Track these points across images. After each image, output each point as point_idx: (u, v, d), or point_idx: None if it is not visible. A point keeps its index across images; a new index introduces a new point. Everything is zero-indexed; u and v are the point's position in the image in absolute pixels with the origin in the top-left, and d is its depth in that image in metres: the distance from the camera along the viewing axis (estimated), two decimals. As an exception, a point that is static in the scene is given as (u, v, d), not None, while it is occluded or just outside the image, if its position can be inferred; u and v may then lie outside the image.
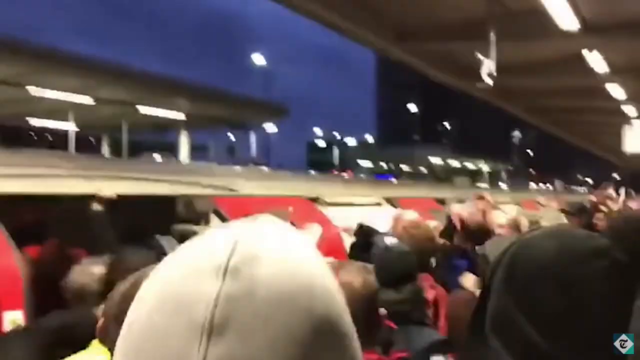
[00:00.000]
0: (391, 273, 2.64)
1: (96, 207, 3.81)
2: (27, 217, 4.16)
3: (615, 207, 8.43)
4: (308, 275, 0.50)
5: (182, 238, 3.65)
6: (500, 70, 9.24)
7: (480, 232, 5.07)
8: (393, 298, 2.46)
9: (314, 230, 3.94)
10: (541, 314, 1.01)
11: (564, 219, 4.09)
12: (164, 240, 3.59)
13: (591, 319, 0.99)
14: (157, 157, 50.30)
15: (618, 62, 12.23)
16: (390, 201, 7.03)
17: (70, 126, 26.53)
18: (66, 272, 2.78)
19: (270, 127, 40.33)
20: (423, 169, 65.99)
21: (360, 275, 1.94)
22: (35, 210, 4.14)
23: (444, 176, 63.17)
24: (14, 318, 3.20)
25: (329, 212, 5.52)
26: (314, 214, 5.36)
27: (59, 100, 22.04)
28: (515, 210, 9.21)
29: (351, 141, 74.15)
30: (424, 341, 2.39)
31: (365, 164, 66.96)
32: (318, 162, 73.59)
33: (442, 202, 9.13)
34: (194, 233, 3.65)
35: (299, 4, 10.10)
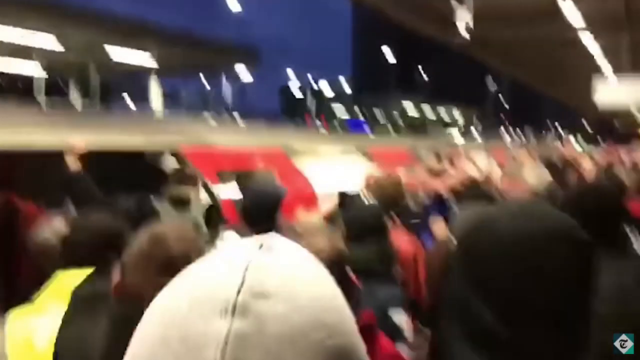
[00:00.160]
0: (356, 228, 2.67)
1: (63, 160, 3.74)
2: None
3: (585, 162, 8.59)
4: (319, 308, 0.48)
5: (175, 201, 3.61)
6: (476, 20, 9.15)
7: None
8: (358, 254, 2.45)
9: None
10: (499, 299, 0.98)
11: (546, 175, 4.07)
12: (158, 205, 3.52)
13: (552, 301, 0.97)
14: (129, 101, 49.42)
15: (591, 14, 12.20)
16: (363, 152, 7.03)
17: (36, 70, 25.79)
18: (14, 225, 2.73)
19: (243, 73, 39.59)
20: (396, 114, 66.00)
21: (329, 241, 1.93)
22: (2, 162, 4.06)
23: (417, 124, 63.30)
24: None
25: (303, 163, 5.51)
26: (286, 166, 5.34)
27: (22, 44, 21.39)
28: (485, 160, 9.31)
29: (326, 88, 73.48)
30: (384, 296, 2.43)
31: (340, 111, 66.63)
32: (292, 108, 73.02)
33: (414, 152, 9.20)
34: (187, 196, 3.60)
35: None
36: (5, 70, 27.85)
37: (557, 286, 0.97)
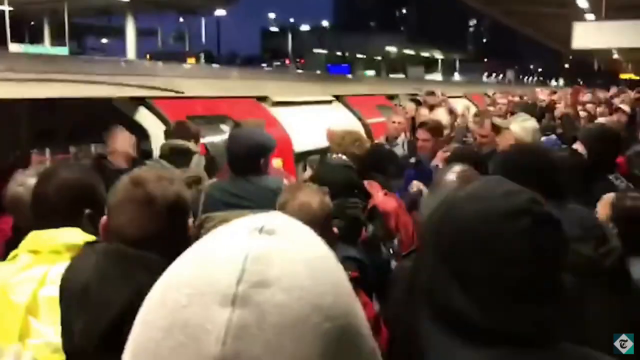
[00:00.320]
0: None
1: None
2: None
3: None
4: (318, 292, 0.48)
5: (173, 153, 3.51)
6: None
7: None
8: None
9: None
10: (465, 278, 1.00)
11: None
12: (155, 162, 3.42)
13: (515, 278, 0.97)
14: (104, 41, 48.17)
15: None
16: (341, 99, 6.93)
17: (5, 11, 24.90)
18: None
19: (221, 13, 38.57)
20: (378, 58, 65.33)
21: (317, 195, 2.03)
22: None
23: (398, 65, 62.79)
24: None
25: (277, 112, 5.41)
26: (262, 115, 5.25)
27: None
28: (464, 105, 9.28)
29: (306, 28, 72.16)
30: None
31: (321, 55, 65.76)
32: (272, 50, 71.86)
33: (392, 97, 9.10)
34: (187, 149, 3.50)
35: None
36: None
37: (521, 264, 0.97)
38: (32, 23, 34.46)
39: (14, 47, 24.23)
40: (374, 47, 65.53)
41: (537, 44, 42.20)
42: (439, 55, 70.80)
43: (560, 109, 7.97)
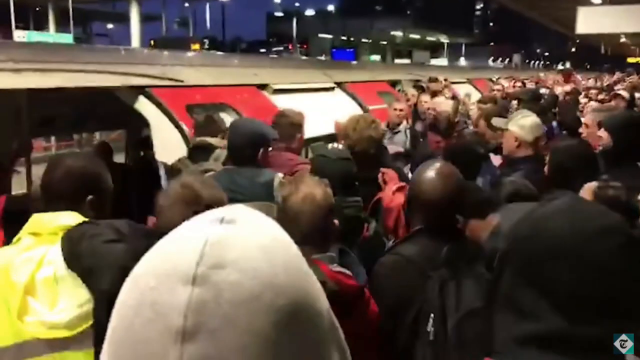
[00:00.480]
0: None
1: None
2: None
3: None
4: (271, 271, 0.54)
5: (195, 148, 3.54)
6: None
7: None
8: None
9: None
10: (554, 295, 1.01)
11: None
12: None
13: (607, 296, 1.00)
14: (109, 26, 48.03)
15: None
16: (342, 86, 6.92)
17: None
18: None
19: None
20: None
21: (320, 187, 2.06)
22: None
23: (404, 50, 62.39)
24: None
25: (278, 100, 5.42)
26: (262, 103, 5.26)
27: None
28: (464, 93, 9.25)
29: (312, 12, 71.70)
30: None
31: (326, 40, 65.37)
32: (278, 35, 71.48)
33: (395, 83, 9.08)
34: (208, 144, 3.52)
35: None
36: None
37: (615, 280, 1.00)
38: (37, 9, 34.40)
39: (18, 34, 24.22)
40: (379, 32, 65.09)
41: (543, 27, 41.84)
42: (444, 40, 70.31)
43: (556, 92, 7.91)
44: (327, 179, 2.22)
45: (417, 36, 68.01)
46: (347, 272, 2.06)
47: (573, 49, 73.94)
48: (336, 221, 2.13)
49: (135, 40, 29.44)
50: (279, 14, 75.18)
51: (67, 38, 29.20)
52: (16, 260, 1.97)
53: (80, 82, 3.87)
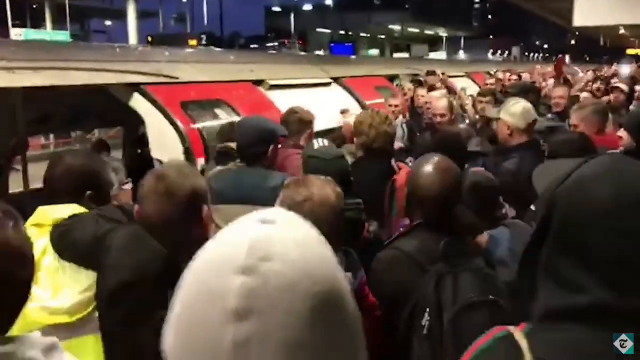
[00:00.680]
0: None
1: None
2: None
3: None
4: (308, 264, 0.66)
5: (219, 154, 3.53)
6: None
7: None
8: None
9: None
10: (599, 265, 0.97)
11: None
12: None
13: None
14: (107, 23, 47.90)
15: None
16: (339, 81, 6.91)
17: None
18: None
19: (223, -6, 38.27)
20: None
21: (332, 188, 2.05)
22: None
23: (403, 44, 62.29)
24: None
25: (274, 96, 5.41)
26: (258, 99, 5.26)
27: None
28: (460, 87, 9.23)
29: (309, 7, 71.51)
30: None
31: (325, 35, 65.21)
32: (276, 30, 71.32)
33: (393, 78, 9.06)
34: (230, 149, 3.51)
35: None
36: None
37: None
38: (34, 6, 34.32)
39: (15, 32, 24.17)
40: (377, 26, 64.94)
41: (543, 20, 41.74)
42: (443, 33, 70.18)
43: (547, 85, 7.85)
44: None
45: (415, 30, 67.86)
46: (349, 274, 2.05)
47: (573, 42, 73.83)
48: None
49: (133, 37, 29.37)
50: (277, 8, 75.01)
51: (65, 35, 29.15)
52: None
53: (75, 80, 3.87)
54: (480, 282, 1.97)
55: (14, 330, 2.08)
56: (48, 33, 28.81)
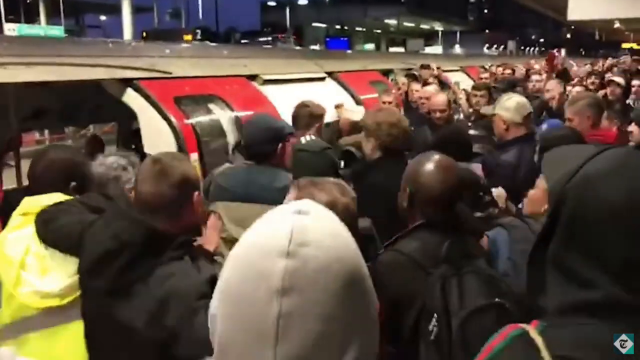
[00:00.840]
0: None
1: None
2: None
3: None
4: (337, 249, 0.80)
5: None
6: None
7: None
8: None
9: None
10: (609, 259, 0.97)
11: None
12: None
13: None
14: (102, 17, 47.68)
15: None
16: (333, 76, 6.90)
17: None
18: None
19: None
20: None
21: (347, 194, 1.95)
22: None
23: (398, 38, 62.18)
24: None
25: (268, 90, 5.40)
26: (252, 94, 5.24)
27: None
28: (461, 79, 9.24)
29: (305, 1, 71.29)
30: None
31: (320, 29, 65.04)
32: (272, 24, 71.07)
33: (387, 72, 9.05)
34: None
35: None
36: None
37: None
38: (28, 1, 34.15)
39: (9, 27, 24.05)
40: (373, 20, 64.79)
41: (538, 14, 41.73)
42: (439, 28, 70.08)
43: (537, 81, 7.81)
44: (314, 173, 2.16)
45: (411, 24, 67.73)
46: None
47: (568, 35, 73.82)
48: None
49: (128, 32, 29.23)
50: (273, 3, 74.72)
51: (59, 31, 29.01)
52: (8, 237, 2.22)
53: (68, 76, 3.86)
54: (484, 284, 1.93)
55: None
56: (42, 28, 28.67)
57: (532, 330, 1.02)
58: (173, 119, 4.06)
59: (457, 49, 56.52)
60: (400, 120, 3.36)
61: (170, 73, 4.44)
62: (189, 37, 34.21)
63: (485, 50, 58.32)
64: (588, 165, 1.03)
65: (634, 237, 0.96)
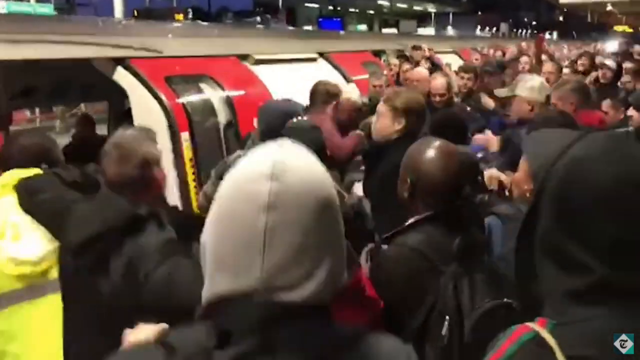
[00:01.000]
0: None
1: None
2: None
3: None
4: (314, 176, 0.95)
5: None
6: None
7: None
8: None
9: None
10: (598, 242, 0.98)
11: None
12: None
13: None
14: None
15: None
16: (325, 56, 6.88)
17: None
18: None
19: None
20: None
21: (341, 193, 1.91)
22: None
23: (391, 19, 61.84)
24: None
25: (259, 70, 5.38)
26: (243, 74, 5.23)
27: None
28: (453, 60, 9.22)
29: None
30: None
31: (313, 6, 64.57)
32: (264, 4, 70.43)
33: (379, 53, 9.03)
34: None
35: None
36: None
37: None
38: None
39: (-3, 4, 23.71)
40: (366, 1, 64.34)
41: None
42: (432, 9, 69.70)
43: (525, 63, 7.81)
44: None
45: (404, 5, 67.31)
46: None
47: (560, 18, 73.64)
48: None
49: (119, 11, 28.88)
50: (265, -17, 73.91)
51: (48, 8, 28.64)
52: None
53: (57, 54, 3.83)
54: (493, 282, 1.83)
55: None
56: (31, 5, 28.28)
57: (543, 330, 1.01)
58: (164, 98, 4.05)
59: (450, 31, 56.23)
60: (424, 102, 3.40)
61: (162, 52, 4.42)
62: (180, 16, 33.89)
63: (478, 32, 58.11)
64: (573, 149, 1.03)
65: (622, 219, 0.97)
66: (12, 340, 2.26)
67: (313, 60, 6.66)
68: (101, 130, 6.01)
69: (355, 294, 1.83)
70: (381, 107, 3.28)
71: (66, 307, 2.17)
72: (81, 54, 3.98)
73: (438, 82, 5.16)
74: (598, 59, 8.87)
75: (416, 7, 69.43)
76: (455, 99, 5.53)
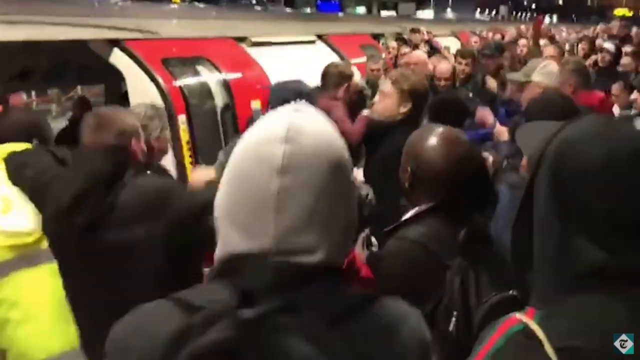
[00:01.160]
0: None
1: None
2: None
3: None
4: (327, 138, 0.96)
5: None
6: None
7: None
8: None
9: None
10: (592, 224, 0.97)
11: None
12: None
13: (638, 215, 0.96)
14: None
15: None
16: (323, 39, 6.84)
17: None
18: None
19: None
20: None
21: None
22: None
23: (390, 2, 61.37)
24: None
25: (256, 53, 5.35)
26: (240, 56, 5.20)
27: None
28: (453, 44, 9.18)
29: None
30: None
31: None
32: (261, -14, 69.81)
33: (378, 36, 8.98)
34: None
35: None
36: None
37: None
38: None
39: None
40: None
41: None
42: (431, -9, 69.14)
43: (524, 46, 7.76)
44: None
45: (403, -13, 66.81)
46: None
47: (560, 1, 73.17)
48: None
49: (115, -8, 28.65)
50: (263, -36, 73.25)
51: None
52: None
53: (52, 35, 3.80)
54: (497, 273, 1.73)
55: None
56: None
57: (532, 322, 1.00)
58: (161, 81, 4.03)
59: (449, 13, 55.89)
60: (428, 87, 3.41)
61: (158, 34, 4.39)
62: (177, -2, 33.59)
63: (477, 15, 57.76)
64: (564, 132, 1.04)
65: (615, 199, 0.96)
66: (14, 307, 2.32)
67: (311, 42, 6.62)
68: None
69: (348, 275, 1.79)
70: (388, 87, 3.24)
71: (66, 273, 2.20)
72: (77, 35, 3.95)
73: (444, 66, 5.15)
74: (598, 42, 8.83)
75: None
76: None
